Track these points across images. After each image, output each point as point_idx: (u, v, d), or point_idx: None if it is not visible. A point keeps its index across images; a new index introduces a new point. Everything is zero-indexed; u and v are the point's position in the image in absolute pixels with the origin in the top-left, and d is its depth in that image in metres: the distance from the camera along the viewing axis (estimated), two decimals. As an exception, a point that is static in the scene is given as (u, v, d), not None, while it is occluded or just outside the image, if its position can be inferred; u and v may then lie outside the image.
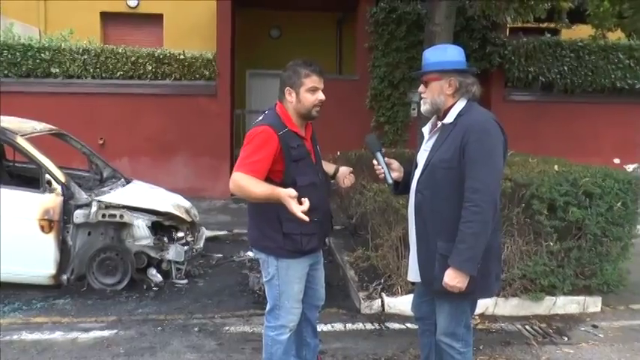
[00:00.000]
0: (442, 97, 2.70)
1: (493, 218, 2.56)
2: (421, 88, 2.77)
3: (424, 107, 2.77)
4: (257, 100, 11.75)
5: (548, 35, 10.21)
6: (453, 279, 2.53)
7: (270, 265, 2.93)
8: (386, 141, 9.70)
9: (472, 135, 2.54)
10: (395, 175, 2.90)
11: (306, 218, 2.53)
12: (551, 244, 4.57)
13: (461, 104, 2.69)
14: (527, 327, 4.45)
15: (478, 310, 4.63)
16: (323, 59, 11.99)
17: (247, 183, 2.67)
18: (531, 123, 10.18)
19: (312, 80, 2.83)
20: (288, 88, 2.87)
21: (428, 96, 2.73)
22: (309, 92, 2.84)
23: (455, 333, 2.77)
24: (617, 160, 10.43)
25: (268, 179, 2.77)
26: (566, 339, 4.25)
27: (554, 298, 4.71)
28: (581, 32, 9.58)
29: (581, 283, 4.73)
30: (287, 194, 2.57)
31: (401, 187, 2.93)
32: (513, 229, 4.60)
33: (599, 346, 4.14)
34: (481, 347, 4.02)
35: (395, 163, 2.92)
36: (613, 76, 10.13)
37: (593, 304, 4.82)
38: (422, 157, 2.77)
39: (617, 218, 4.59)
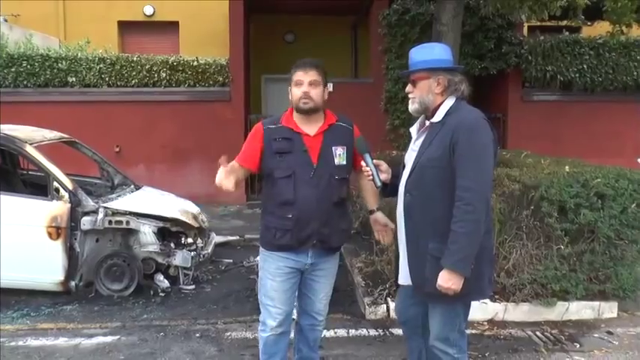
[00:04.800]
0: (430, 96, 2.66)
1: (486, 218, 2.50)
2: (409, 87, 2.73)
3: (412, 107, 2.73)
4: (273, 105, 11.77)
5: (567, 33, 9.97)
6: (447, 280, 2.46)
7: (259, 256, 3.11)
8: (402, 144, 9.59)
9: (462, 133, 2.50)
10: (383, 176, 2.84)
11: (227, 186, 2.76)
12: (563, 247, 4.44)
13: (449, 103, 2.65)
14: (537, 333, 4.31)
15: (487, 316, 4.54)
16: (338, 63, 11.98)
17: None
18: (550, 123, 9.97)
19: (297, 75, 2.91)
20: (288, 88, 2.99)
21: (416, 95, 2.69)
22: (295, 87, 2.92)
23: (448, 338, 2.70)
24: (640, 160, 10.13)
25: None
26: (577, 346, 4.10)
27: (567, 303, 4.56)
28: (603, 29, 9.35)
29: (595, 288, 4.57)
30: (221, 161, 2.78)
31: (390, 189, 2.86)
32: (522, 232, 4.49)
33: (612, 354, 3.99)
34: (487, 354, 3.91)
35: (383, 165, 2.87)
36: (635, 73, 9.82)
37: (609, 309, 4.65)
38: (410, 158, 2.73)
39: (632, 220, 4.42)
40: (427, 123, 2.70)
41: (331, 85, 11.13)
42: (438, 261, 2.50)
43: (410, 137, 2.86)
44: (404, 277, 2.77)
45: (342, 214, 3.00)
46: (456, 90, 2.65)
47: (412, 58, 2.70)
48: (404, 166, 2.78)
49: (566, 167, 4.67)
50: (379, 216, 3.07)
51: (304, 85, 2.87)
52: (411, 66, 2.71)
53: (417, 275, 2.65)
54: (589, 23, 8.70)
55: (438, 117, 2.63)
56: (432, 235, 2.56)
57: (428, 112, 2.69)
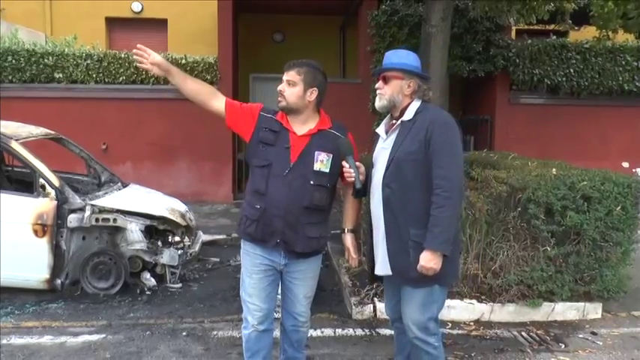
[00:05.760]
0: (400, 96, 2.85)
1: (460, 204, 2.75)
2: (379, 84, 2.90)
3: (380, 102, 2.90)
4: (261, 104, 11.72)
5: (554, 37, 10.07)
6: (429, 261, 2.64)
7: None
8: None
9: (436, 128, 2.72)
10: (361, 178, 2.93)
11: (155, 58, 2.89)
12: (549, 249, 4.48)
13: (416, 104, 2.86)
14: (523, 334, 4.35)
15: (474, 316, 4.57)
16: (327, 63, 11.84)
17: None
18: (537, 126, 10.07)
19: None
20: None
21: (386, 92, 2.88)
22: None
23: (427, 327, 2.85)
24: (625, 164, 10.25)
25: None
26: (562, 346, 4.15)
27: (552, 304, 4.61)
28: (590, 34, 9.45)
29: (580, 289, 4.63)
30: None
31: (362, 189, 2.96)
32: (509, 233, 4.54)
33: (596, 354, 4.04)
34: (473, 354, 3.94)
35: (362, 167, 2.95)
36: (620, 78, 9.95)
37: (594, 310, 4.71)
38: (382, 155, 2.89)
39: (617, 223, 4.48)
40: (397, 122, 2.87)
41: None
42: (419, 246, 2.68)
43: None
44: (381, 268, 2.89)
45: (314, 222, 2.89)
46: (424, 95, 2.88)
47: (388, 59, 2.91)
48: (373, 165, 2.93)
49: (553, 170, 4.72)
50: (348, 240, 3.08)
51: (282, 83, 2.92)
52: (387, 65, 2.88)
53: (398, 262, 2.80)
54: (576, 28, 8.79)
55: (408, 115, 2.83)
56: (413, 222, 2.73)
57: (394, 110, 2.89)
